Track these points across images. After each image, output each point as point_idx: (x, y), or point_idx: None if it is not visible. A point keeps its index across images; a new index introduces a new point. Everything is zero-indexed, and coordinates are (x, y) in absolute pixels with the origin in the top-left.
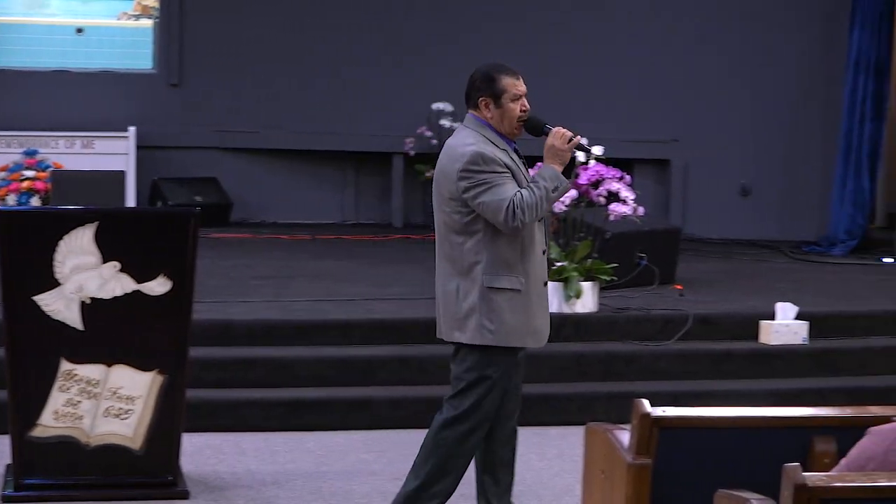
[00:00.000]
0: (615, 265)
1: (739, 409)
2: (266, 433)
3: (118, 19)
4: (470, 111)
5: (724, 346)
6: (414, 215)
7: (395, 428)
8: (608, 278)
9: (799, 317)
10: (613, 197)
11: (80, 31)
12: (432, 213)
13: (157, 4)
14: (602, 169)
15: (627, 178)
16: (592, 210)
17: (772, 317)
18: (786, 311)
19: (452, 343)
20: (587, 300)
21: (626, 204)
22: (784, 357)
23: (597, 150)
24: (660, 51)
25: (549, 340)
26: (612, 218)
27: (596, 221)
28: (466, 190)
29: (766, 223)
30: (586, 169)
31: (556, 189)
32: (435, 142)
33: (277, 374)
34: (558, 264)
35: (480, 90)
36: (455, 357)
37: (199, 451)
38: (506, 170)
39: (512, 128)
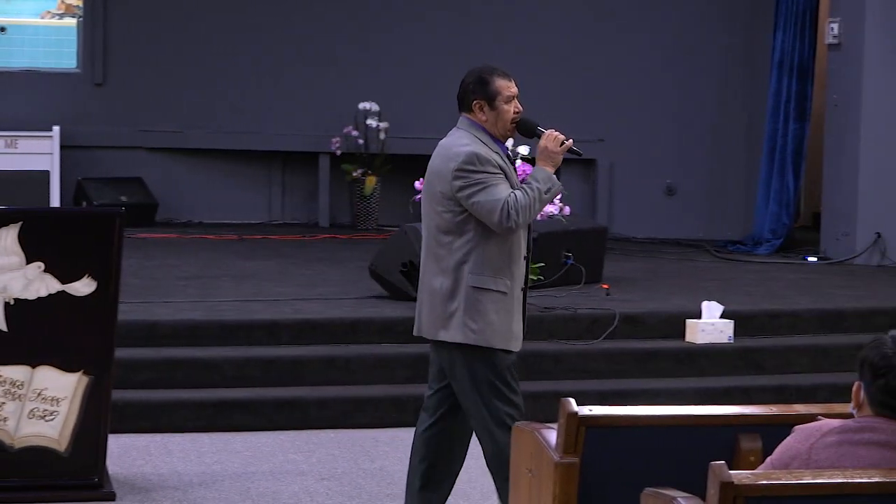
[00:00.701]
0: (542, 265)
1: (666, 407)
2: (193, 434)
3: (41, 18)
4: (463, 114)
5: (651, 344)
6: (341, 215)
7: (323, 428)
8: (535, 278)
9: (724, 315)
10: None
11: (2, 29)
12: (359, 212)
13: (80, 3)
14: (528, 169)
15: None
16: None
17: (698, 315)
18: (711, 310)
19: (435, 342)
20: None
21: (553, 204)
22: (710, 355)
23: (522, 150)
24: (585, 51)
25: None
26: (538, 218)
27: None
28: (461, 189)
29: (691, 222)
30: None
31: (548, 190)
32: (362, 141)
33: (204, 374)
34: None
35: (474, 93)
36: (441, 356)
37: (126, 453)
38: (500, 171)
39: (505, 130)
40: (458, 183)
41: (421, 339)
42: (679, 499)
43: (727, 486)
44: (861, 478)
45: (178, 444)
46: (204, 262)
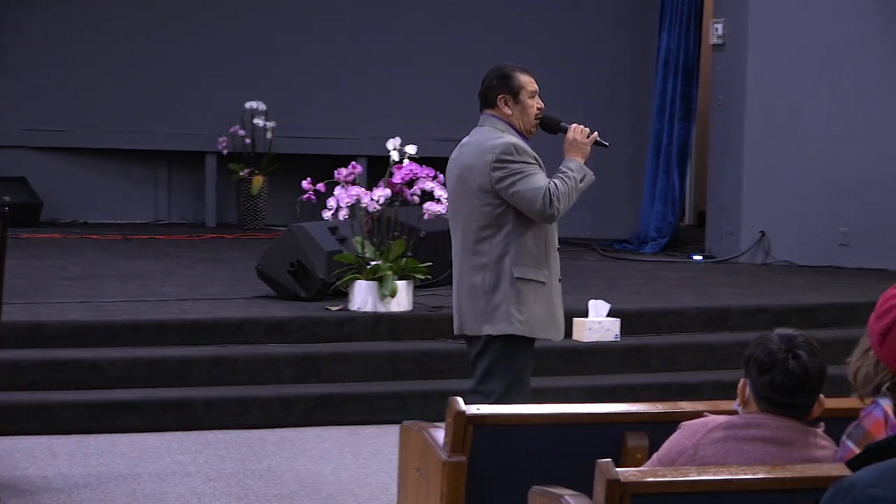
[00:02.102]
0: (429, 264)
1: (553, 406)
2: (78, 436)
3: None
4: (486, 111)
5: (538, 343)
6: (227, 215)
7: (210, 429)
8: (422, 277)
9: (611, 314)
10: (427, 196)
11: None
12: (246, 211)
13: None
14: (416, 168)
15: (441, 176)
16: (407, 209)
17: (585, 314)
18: (598, 309)
19: (478, 336)
20: (402, 299)
21: (440, 203)
22: (597, 354)
23: (410, 149)
24: (472, 49)
25: (363, 339)
26: (426, 217)
27: (410, 220)
28: (500, 180)
29: (578, 221)
30: (400, 168)
31: (583, 179)
32: (248, 141)
33: (90, 375)
34: (373, 263)
35: (499, 88)
36: (477, 351)
37: (10, 455)
38: (535, 161)
39: (530, 125)
40: (498, 174)
41: (309, 339)
42: (566, 497)
43: (614, 484)
44: (746, 474)
45: (63, 446)
46: (89, 263)
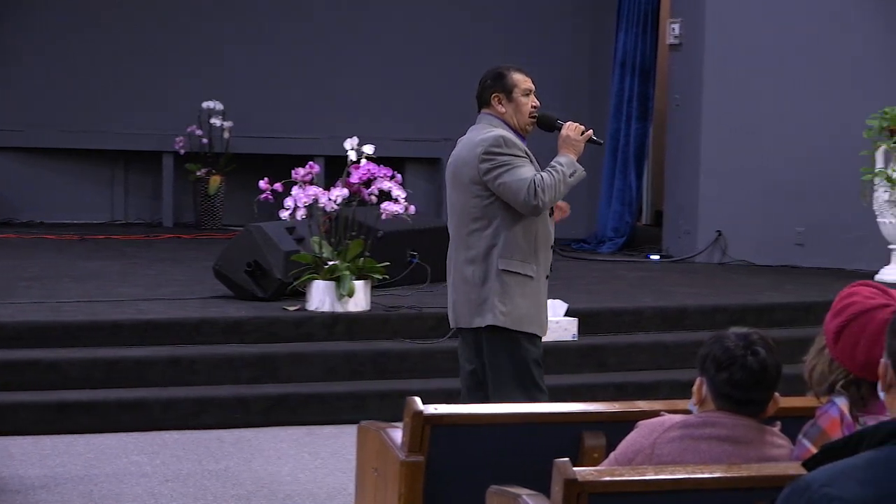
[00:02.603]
0: (387, 264)
1: (511, 405)
2: (35, 436)
3: None
4: (482, 110)
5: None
6: (185, 215)
7: (167, 429)
8: (380, 277)
9: (569, 313)
10: (385, 196)
11: None
12: (203, 211)
13: None
14: (373, 168)
15: (399, 176)
16: (364, 209)
17: None
18: (556, 309)
19: (471, 329)
20: (359, 299)
21: (398, 203)
22: (554, 353)
23: (367, 149)
24: (431, 50)
25: (321, 339)
26: (383, 217)
27: (368, 220)
28: (488, 172)
29: None
30: (358, 168)
31: (572, 174)
32: (206, 140)
33: (46, 375)
34: (330, 263)
35: (492, 87)
36: (475, 341)
37: None
38: (525, 155)
39: (524, 123)
40: (485, 165)
41: (266, 339)
42: (524, 496)
43: (571, 483)
44: (703, 473)
45: (20, 447)
46: (46, 263)
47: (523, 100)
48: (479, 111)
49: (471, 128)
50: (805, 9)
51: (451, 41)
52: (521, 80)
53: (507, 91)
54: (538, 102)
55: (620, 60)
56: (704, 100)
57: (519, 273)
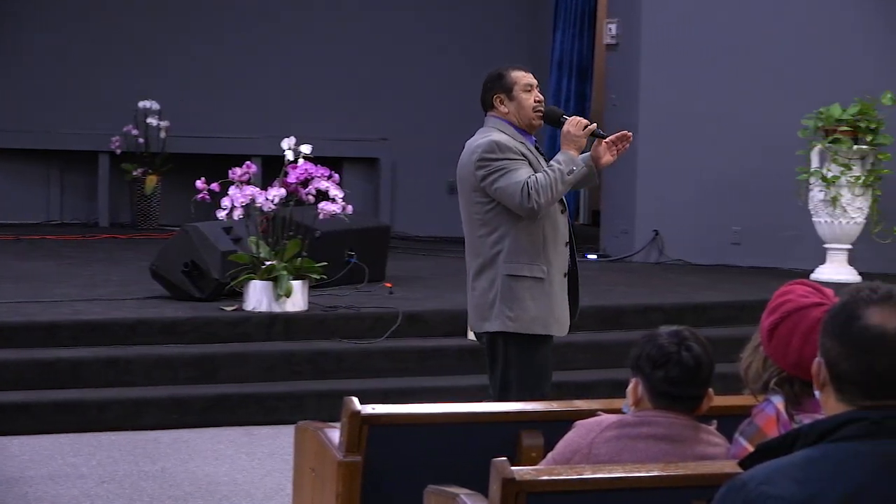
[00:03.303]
0: (325, 264)
1: (449, 405)
2: None
3: None
4: (487, 113)
5: (434, 342)
6: (121, 215)
7: (104, 430)
8: (318, 277)
9: None
10: (322, 195)
11: None
12: (139, 211)
13: None
14: (311, 167)
15: (336, 176)
16: (302, 209)
17: None
18: None
19: (483, 334)
20: (297, 299)
21: (335, 202)
22: None
23: (305, 149)
24: (368, 50)
25: (259, 339)
26: (321, 216)
27: (305, 220)
28: (484, 178)
29: None
30: (295, 168)
31: (570, 172)
32: (142, 140)
33: None
34: (268, 263)
35: (493, 88)
36: (487, 350)
37: None
38: (521, 157)
39: (530, 119)
40: (481, 172)
41: (204, 339)
42: (462, 496)
43: (509, 483)
44: (640, 471)
45: None
46: None
47: (525, 96)
48: (484, 113)
49: (477, 131)
50: (741, 9)
51: (388, 41)
52: (521, 77)
53: (508, 90)
54: (542, 97)
55: (557, 60)
56: (641, 100)
57: (526, 276)
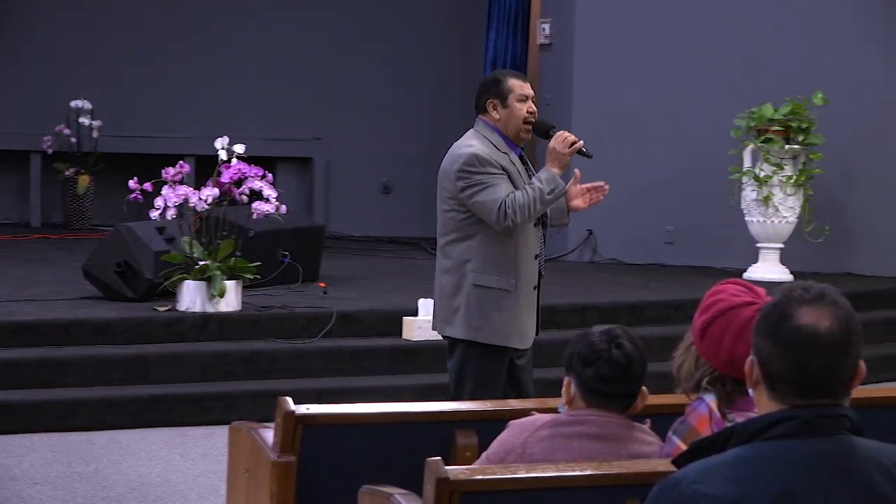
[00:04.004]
0: (258, 264)
1: (383, 405)
2: None
3: None
4: (479, 116)
5: (368, 342)
6: (53, 215)
7: (36, 431)
8: (251, 277)
9: None
10: (256, 195)
11: None
12: (72, 211)
13: None
14: (245, 167)
15: (270, 176)
16: (235, 208)
17: (414, 313)
18: (428, 308)
19: (444, 337)
20: (231, 299)
21: (269, 202)
22: (426, 352)
23: (238, 149)
24: (301, 50)
25: (192, 339)
26: (254, 216)
27: (239, 220)
28: (463, 190)
29: (407, 220)
30: (228, 167)
31: (552, 191)
32: (74, 140)
33: None
34: (201, 263)
35: (487, 92)
36: (449, 351)
37: None
38: (501, 172)
39: (519, 130)
40: (461, 184)
41: (137, 340)
42: (396, 496)
43: (443, 482)
44: (574, 470)
45: None
46: None
47: (518, 106)
48: (476, 115)
49: (465, 133)
50: (674, 9)
51: (322, 41)
52: (518, 86)
53: (503, 97)
54: (535, 109)
55: (491, 60)
56: (575, 99)
57: (494, 287)
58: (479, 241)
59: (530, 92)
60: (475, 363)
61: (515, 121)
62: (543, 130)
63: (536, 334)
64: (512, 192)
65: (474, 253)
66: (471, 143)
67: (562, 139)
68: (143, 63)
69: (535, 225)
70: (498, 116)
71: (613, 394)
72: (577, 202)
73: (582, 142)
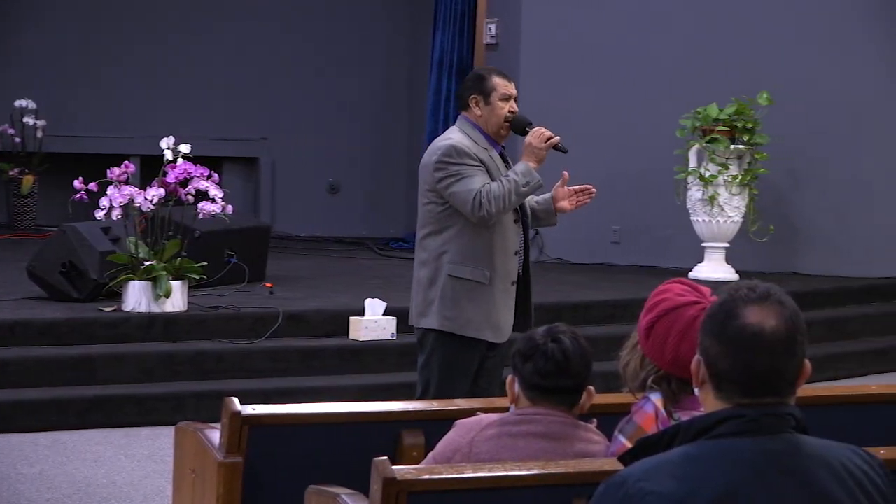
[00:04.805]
0: (204, 264)
1: (330, 405)
2: None
3: None
4: (461, 112)
5: (315, 342)
6: None
7: None
8: (197, 277)
9: (387, 312)
10: (202, 195)
11: None
12: (16, 212)
13: None
14: (190, 167)
15: (216, 176)
16: (181, 208)
17: (361, 313)
18: (374, 308)
19: (418, 329)
20: (176, 299)
21: (215, 202)
22: (373, 352)
23: (184, 148)
24: (247, 49)
25: (138, 340)
26: (200, 216)
27: (185, 220)
28: (440, 181)
29: (353, 220)
30: (174, 167)
31: (527, 184)
32: (18, 140)
33: None
34: (147, 263)
35: (471, 89)
36: (419, 344)
37: None
38: (479, 164)
39: (499, 128)
40: (438, 175)
41: (82, 340)
42: (342, 496)
43: (390, 482)
44: (520, 470)
45: None
46: None
47: (500, 104)
48: (458, 111)
49: (448, 129)
50: (620, 9)
51: (268, 41)
52: (501, 85)
53: (486, 94)
54: (517, 108)
55: (438, 60)
56: (521, 99)
57: (468, 279)
58: (456, 233)
59: (513, 91)
60: (445, 354)
61: (496, 119)
62: (520, 127)
63: (522, 331)
64: (487, 182)
65: (450, 244)
66: (451, 137)
67: (538, 134)
68: (88, 63)
69: (514, 221)
70: (480, 113)
71: (553, 389)
72: (564, 204)
73: (558, 137)
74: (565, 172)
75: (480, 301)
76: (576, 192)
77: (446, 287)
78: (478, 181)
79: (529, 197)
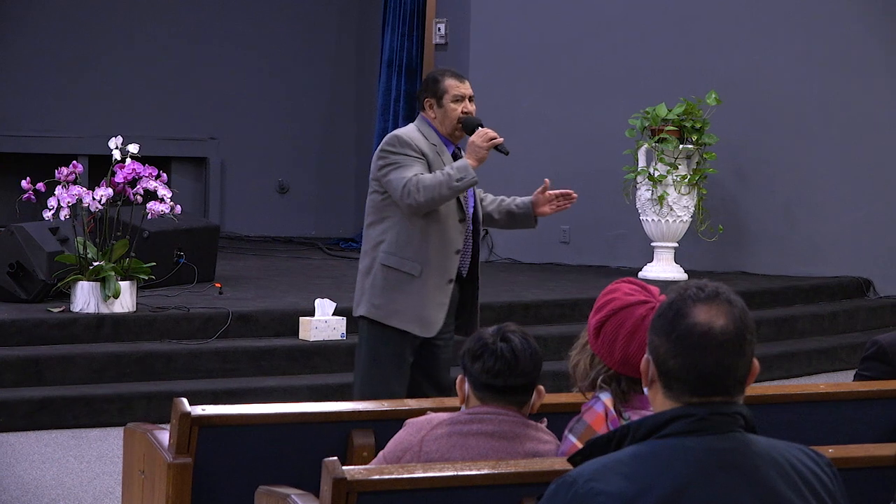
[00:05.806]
0: (153, 264)
1: (280, 405)
2: None
3: None
4: (419, 113)
5: (264, 343)
6: None
7: None
8: (146, 277)
9: (337, 313)
10: (150, 195)
11: None
12: None
13: None
14: (139, 167)
15: (164, 176)
16: (129, 209)
17: (311, 313)
18: (324, 308)
19: (356, 317)
20: (125, 299)
21: (164, 202)
22: (323, 353)
23: (132, 148)
24: (196, 49)
25: (86, 341)
26: (149, 216)
27: (133, 220)
28: (379, 169)
29: (303, 220)
30: (122, 167)
31: (460, 179)
32: None
33: None
34: (95, 264)
35: (425, 90)
36: (359, 335)
37: None
38: (420, 156)
39: (453, 129)
40: (378, 163)
41: (30, 341)
42: (293, 496)
43: (340, 482)
44: (471, 469)
45: None
46: None
47: (452, 106)
48: (418, 112)
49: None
50: (569, 9)
51: (217, 40)
52: (453, 87)
53: (438, 97)
54: (471, 109)
55: (387, 60)
56: None
57: (398, 269)
58: (393, 224)
59: (467, 91)
60: (371, 342)
61: (449, 120)
62: (470, 128)
63: (466, 331)
64: (421, 172)
65: (387, 234)
66: (401, 129)
67: (482, 134)
68: (35, 62)
69: (460, 221)
70: (433, 115)
71: (502, 387)
72: (545, 209)
73: (501, 139)
74: (547, 180)
75: (410, 293)
76: (557, 196)
77: (377, 276)
78: (412, 170)
79: (510, 200)
